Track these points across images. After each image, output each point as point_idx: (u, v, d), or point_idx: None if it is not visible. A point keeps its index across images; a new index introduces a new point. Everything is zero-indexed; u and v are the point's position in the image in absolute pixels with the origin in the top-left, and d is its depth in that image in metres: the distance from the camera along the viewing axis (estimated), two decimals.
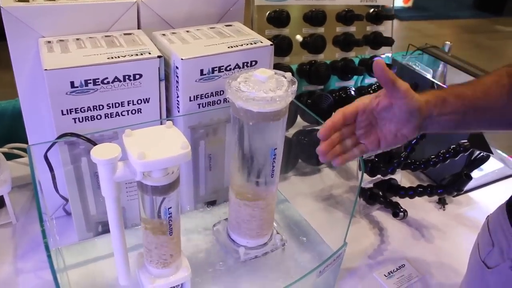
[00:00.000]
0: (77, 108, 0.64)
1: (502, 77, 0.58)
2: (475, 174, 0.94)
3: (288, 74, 0.62)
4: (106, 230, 0.77)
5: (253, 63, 0.72)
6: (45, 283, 0.71)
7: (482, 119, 0.58)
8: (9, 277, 0.71)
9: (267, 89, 0.58)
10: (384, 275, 0.78)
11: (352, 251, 0.81)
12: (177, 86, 0.69)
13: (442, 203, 0.96)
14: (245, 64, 0.71)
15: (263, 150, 0.64)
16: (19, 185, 0.88)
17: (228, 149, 0.79)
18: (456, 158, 0.87)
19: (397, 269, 0.79)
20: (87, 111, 0.65)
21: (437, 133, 0.61)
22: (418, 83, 0.96)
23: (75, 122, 0.65)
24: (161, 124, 0.60)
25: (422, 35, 4.40)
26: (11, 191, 0.79)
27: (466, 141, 0.87)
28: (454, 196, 0.98)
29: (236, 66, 0.70)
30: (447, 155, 0.86)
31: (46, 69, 0.60)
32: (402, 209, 0.87)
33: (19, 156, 0.97)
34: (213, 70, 0.69)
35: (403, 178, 0.96)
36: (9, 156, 0.93)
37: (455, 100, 0.57)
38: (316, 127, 0.98)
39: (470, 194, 1.00)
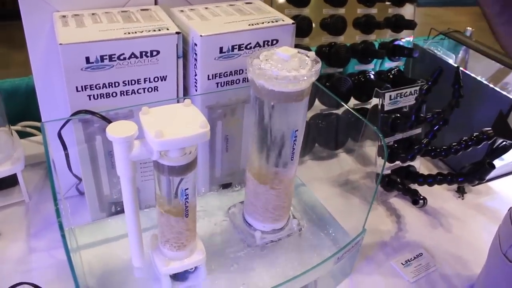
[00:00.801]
0: (92, 85, 0.62)
1: None
2: (496, 163, 0.91)
3: (312, 53, 0.59)
4: (119, 210, 0.76)
5: (274, 42, 0.69)
6: (58, 263, 0.70)
7: None
8: (23, 255, 0.71)
9: (290, 68, 0.56)
10: (401, 263, 0.76)
11: (369, 238, 0.79)
12: (195, 64, 0.67)
13: (461, 192, 0.94)
14: (266, 42, 0.69)
15: (283, 131, 0.62)
16: (32, 164, 0.87)
17: (246, 130, 0.77)
18: (479, 146, 0.84)
19: (414, 258, 0.77)
20: (103, 88, 0.63)
21: None
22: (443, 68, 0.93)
23: (89, 99, 0.63)
24: (177, 103, 0.59)
25: (439, 21, 4.32)
26: (24, 170, 0.78)
27: (489, 129, 0.84)
28: (473, 185, 0.96)
29: (257, 45, 0.68)
30: (470, 143, 0.83)
31: (61, 44, 0.58)
32: (421, 197, 0.85)
33: (33, 135, 0.96)
34: (233, 48, 0.66)
35: (421, 165, 0.93)
36: (23, 134, 0.92)
37: None
38: (334, 111, 0.96)
39: (490, 183, 0.98)
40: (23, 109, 0.97)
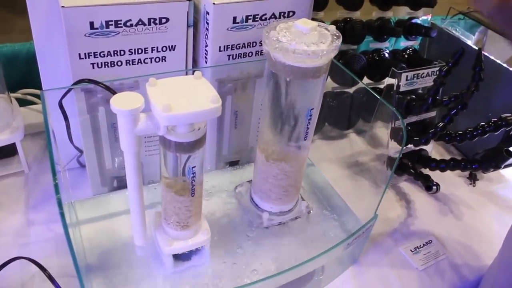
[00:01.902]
0: (96, 52, 0.59)
1: None
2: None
3: (332, 27, 0.55)
4: (121, 185, 0.73)
5: (291, 14, 0.65)
6: (57, 236, 0.68)
7: None
8: (21, 227, 0.69)
9: (309, 42, 0.52)
10: (410, 250, 0.74)
11: (377, 223, 0.76)
12: (206, 34, 0.63)
13: (472, 179, 0.92)
14: (282, 14, 0.65)
15: (298, 109, 0.58)
16: (32, 133, 0.84)
17: (256, 107, 0.73)
18: (497, 133, 0.81)
19: (424, 245, 0.75)
20: (107, 56, 0.59)
21: None
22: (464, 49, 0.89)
23: (93, 67, 0.60)
24: (186, 75, 0.55)
25: (451, 2, 4.23)
26: (23, 139, 0.75)
27: (509, 115, 0.81)
28: (485, 173, 0.93)
29: (272, 16, 0.64)
30: (487, 129, 0.80)
31: (63, 6, 0.54)
32: (435, 183, 0.82)
33: (33, 103, 0.93)
34: (247, 18, 0.62)
35: (433, 150, 0.90)
36: (23, 102, 0.89)
37: None
38: (346, 90, 0.93)
39: (502, 171, 0.95)
40: (23, 76, 0.94)
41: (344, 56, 0.91)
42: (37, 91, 0.92)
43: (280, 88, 0.57)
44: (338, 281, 0.67)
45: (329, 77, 0.91)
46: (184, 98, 0.49)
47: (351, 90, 0.93)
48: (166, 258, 0.61)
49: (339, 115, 0.93)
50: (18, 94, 0.91)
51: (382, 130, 0.97)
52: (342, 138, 0.96)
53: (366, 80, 0.98)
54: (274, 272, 0.54)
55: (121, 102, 0.47)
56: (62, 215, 0.43)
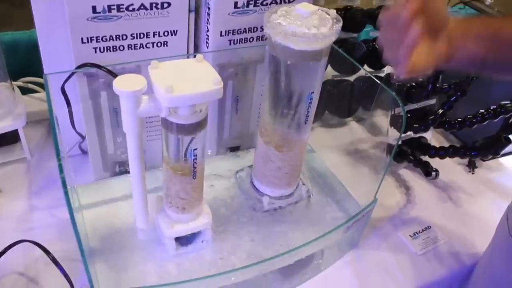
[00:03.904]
0: (98, 37, 0.59)
1: None
2: None
3: (333, 11, 0.56)
4: (123, 170, 0.73)
5: None
6: (59, 222, 0.68)
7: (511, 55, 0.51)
8: (24, 213, 0.69)
9: (309, 25, 0.53)
10: (410, 235, 0.75)
11: (377, 209, 0.77)
12: (207, 19, 0.63)
13: (471, 166, 0.92)
14: None
15: (299, 93, 0.59)
16: (33, 121, 0.85)
17: (257, 92, 0.74)
18: (496, 120, 0.81)
19: (422, 231, 0.76)
20: (109, 41, 0.60)
21: (466, 66, 0.53)
22: None
23: (95, 52, 0.60)
24: None
25: None
26: (25, 127, 0.76)
27: (508, 102, 0.81)
28: (485, 160, 0.94)
29: (273, 1, 0.64)
30: (487, 116, 0.81)
31: None
32: (434, 169, 0.83)
33: (35, 91, 0.93)
34: (248, 3, 0.63)
35: (432, 138, 0.91)
36: (24, 91, 0.90)
37: (480, 26, 0.51)
38: (346, 78, 0.93)
39: (501, 159, 0.96)
40: (25, 64, 0.94)
41: (344, 44, 0.91)
42: (38, 79, 0.92)
43: (281, 72, 0.57)
44: (337, 265, 0.68)
45: (329, 65, 0.92)
46: (186, 80, 0.49)
47: (351, 78, 0.93)
48: (168, 241, 0.62)
49: (340, 103, 0.93)
50: (19, 83, 0.91)
51: (382, 118, 0.98)
52: (342, 125, 0.96)
53: (366, 68, 0.98)
54: (274, 255, 0.54)
55: (123, 84, 0.48)
56: (66, 194, 0.44)
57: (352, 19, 0.89)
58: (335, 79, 0.92)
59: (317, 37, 0.52)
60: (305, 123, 0.62)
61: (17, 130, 0.75)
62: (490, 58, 0.51)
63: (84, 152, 0.78)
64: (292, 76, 0.57)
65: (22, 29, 0.99)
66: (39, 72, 0.71)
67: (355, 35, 0.94)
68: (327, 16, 0.56)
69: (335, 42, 0.91)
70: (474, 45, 0.50)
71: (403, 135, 0.86)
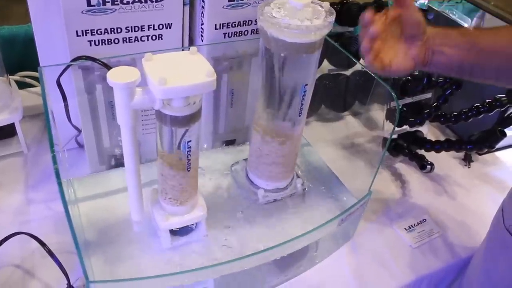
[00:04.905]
0: (93, 30, 0.59)
1: None
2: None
3: (326, 4, 0.56)
4: (119, 163, 0.74)
5: None
6: (55, 214, 0.69)
7: (488, 63, 0.55)
8: (21, 206, 0.70)
9: (302, 18, 0.53)
10: (405, 228, 0.75)
11: (372, 202, 0.78)
12: (202, 12, 0.63)
13: (467, 160, 0.92)
14: None
15: (293, 85, 0.59)
16: (30, 115, 0.85)
17: (252, 86, 0.74)
18: (491, 113, 0.81)
19: (418, 224, 0.76)
20: (104, 34, 0.60)
21: (444, 71, 0.57)
22: None
23: (90, 45, 0.60)
24: None
25: None
26: (22, 121, 0.76)
27: (503, 95, 0.81)
28: (481, 154, 0.94)
29: None
30: (482, 109, 0.81)
31: None
32: (429, 162, 0.83)
33: (32, 86, 0.93)
34: None
35: (428, 132, 0.91)
36: (21, 85, 0.89)
37: (458, 35, 0.55)
38: (342, 72, 0.93)
39: (497, 153, 0.96)
40: (22, 59, 0.94)
41: (340, 38, 0.92)
42: (35, 74, 0.92)
43: (274, 64, 0.57)
44: (332, 258, 0.69)
45: (325, 59, 0.92)
46: (180, 72, 0.50)
47: (347, 72, 0.93)
48: (163, 233, 0.62)
49: (336, 97, 0.94)
50: (16, 77, 0.91)
51: (378, 113, 0.98)
52: (338, 120, 0.97)
53: (362, 62, 0.98)
54: (268, 247, 0.55)
55: (117, 76, 0.48)
56: (59, 184, 0.44)
57: (348, 13, 0.89)
58: (331, 73, 0.92)
59: (310, 30, 0.52)
60: (299, 116, 0.62)
61: (14, 124, 0.75)
62: (466, 65, 0.55)
63: (81, 145, 0.78)
64: (286, 69, 0.57)
65: (20, 23, 0.99)
66: (36, 67, 0.71)
67: (351, 29, 0.94)
68: (320, 8, 0.56)
69: (331, 36, 0.92)
70: (452, 52, 0.54)
71: (399, 129, 0.86)
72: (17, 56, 0.94)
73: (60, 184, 0.44)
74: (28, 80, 0.92)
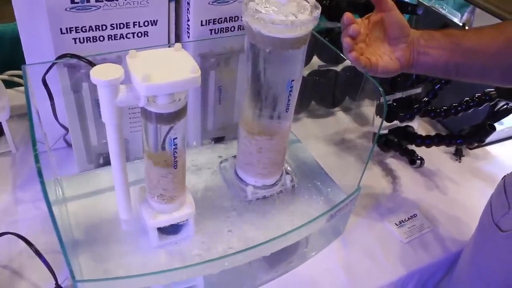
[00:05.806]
0: (78, 27, 0.59)
1: (504, 25, 0.58)
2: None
3: None
4: (107, 162, 0.73)
5: None
6: (43, 214, 0.68)
7: (472, 62, 0.56)
8: (9, 206, 0.69)
9: (287, 13, 0.52)
10: (395, 223, 0.75)
11: (363, 198, 0.78)
12: (188, 9, 0.63)
13: (458, 154, 0.92)
14: None
15: (279, 81, 0.59)
16: (18, 114, 0.84)
17: (240, 82, 0.73)
18: (480, 108, 0.81)
19: (408, 219, 0.76)
20: (89, 31, 0.59)
21: (430, 72, 0.59)
22: (449, 24, 0.90)
23: (75, 42, 0.60)
24: None
25: None
26: (10, 120, 0.75)
27: (492, 89, 0.81)
28: (471, 149, 0.94)
29: None
30: (471, 104, 0.81)
31: None
32: (419, 157, 0.83)
33: (19, 85, 0.92)
34: None
35: (419, 127, 0.91)
36: (9, 84, 0.89)
37: (442, 36, 0.56)
38: (332, 68, 0.93)
39: (488, 148, 0.96)
40: (9, 57, 0.93)
41: (330, 34, 0.91)
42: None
43: (260, 60, 0.57)
44: (323, 254, 0.69)
45: (315, 55, 0.91)
46: (164, 68, 0.49)
47: (337, 68, 0.93)
48: (151, 231, 0.62)
49: (326, 93, 0.93)
50: (4, 76, 0.90)
51: (368, 108, 0.98)
52: (328, 116, 0.96)
53: None
54: (257, 244, 0.55)
55: (101, 73, 0.48)
56: (42, 183, 0.43)
57: (337, 9, 0.89)
58: (321, 69, 0.92)
59: (296, 24, 0.52)
60: (286, 112, 0.62)
61: (1, 123, 0.74)
62: (452, 65, 0.56)
63: (69, 145, 0.78)
64: (272, 64, 0.57)
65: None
66: None
67: (340, 24, 0.93)
68: (306, 3, 0.56)
69: (320, 32, 0.91)
70: (437, 53, 0.56)
71: (390, 124, 0.86)
72: (5, 55, 0.94)
73: (42, 183, 0.44)
74: (16, 79, 0.92)
